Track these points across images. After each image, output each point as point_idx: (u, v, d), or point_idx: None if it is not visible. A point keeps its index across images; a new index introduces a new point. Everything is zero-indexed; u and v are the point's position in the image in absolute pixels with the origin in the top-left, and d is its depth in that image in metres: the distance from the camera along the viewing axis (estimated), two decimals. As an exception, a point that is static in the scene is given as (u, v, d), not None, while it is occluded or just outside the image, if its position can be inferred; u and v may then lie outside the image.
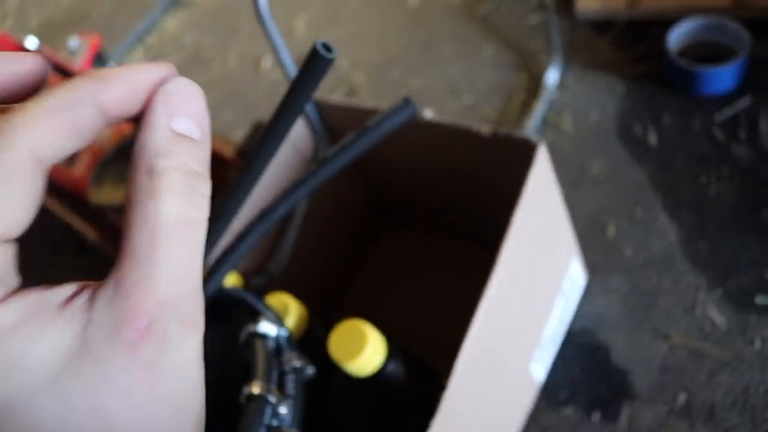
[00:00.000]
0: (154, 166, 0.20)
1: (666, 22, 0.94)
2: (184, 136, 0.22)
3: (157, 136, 0.21)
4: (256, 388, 0.46)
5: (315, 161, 0.60)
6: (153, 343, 0.19)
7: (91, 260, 1.04)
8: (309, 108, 0.69)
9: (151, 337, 0.19)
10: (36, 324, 0.18)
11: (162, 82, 0.23)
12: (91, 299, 0.19)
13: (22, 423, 0.18)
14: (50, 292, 0.19)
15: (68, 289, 0.20)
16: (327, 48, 0.46)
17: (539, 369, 0.73)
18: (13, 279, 0.20)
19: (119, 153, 0.91)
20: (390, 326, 0.57)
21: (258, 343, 0.49)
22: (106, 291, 0.19)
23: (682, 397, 0.71)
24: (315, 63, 0.48)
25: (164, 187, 0.20)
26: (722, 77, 0.88)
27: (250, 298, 0.52)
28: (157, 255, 0.20)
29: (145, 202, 0.20)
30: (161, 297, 0.19)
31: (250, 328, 0.50)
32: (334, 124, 0.71)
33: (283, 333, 0.51)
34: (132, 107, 0.22)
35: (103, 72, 0.21)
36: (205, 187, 0.22)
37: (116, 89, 0.21)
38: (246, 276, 0.68)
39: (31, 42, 1.10)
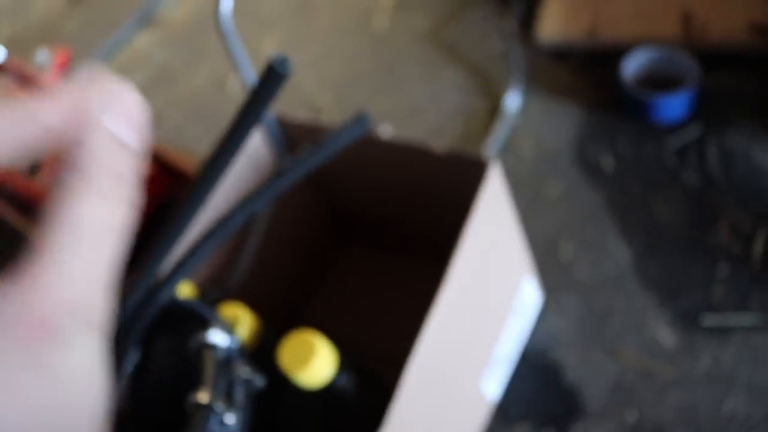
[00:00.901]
0: (83, 165, 0.20)
1: (623, 51, 0.97)
2: (121, 142, 0.21)
3: (94, 134, 0.20)
4: (202, 397, 0.46)
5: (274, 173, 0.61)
6: (52, 344, 0.18)
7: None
8: (269, 123, 0.70)
9: (50, 337, 0.18)
10: None
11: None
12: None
13: None
14: None
15: None
16: (283, 63, 0.47)
17: (492, 387, 0.74)
18: None
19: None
20: (347, 341, 0.57)
21: (207, 353, 0.49)
22: (5, 283, 0.18)
23: (632, 415, 0.73)
24: (270, 78, 0.50)
25: (91, 189, 0.20)
26: (673, 106, 0.92)
27: (202, 308, 0.53)
28: (69, 256, 0.19)
29: (67, 201, 0.19)
30: (66, 297, 0.18)
31: (200, 337, 0.50)
32: (294, 140, 0.72)
33: (234, 343, 0.51)
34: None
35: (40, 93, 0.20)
36: (134, 197, 0.21)
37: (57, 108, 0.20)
38: (203, 288, 0.68)
39: (-2, 53, 1.10)
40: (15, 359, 0.17)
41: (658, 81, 0.96)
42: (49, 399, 0.18)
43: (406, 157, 0.64)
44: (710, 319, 0.77)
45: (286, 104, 1.11)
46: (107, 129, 0.21)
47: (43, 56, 1.17)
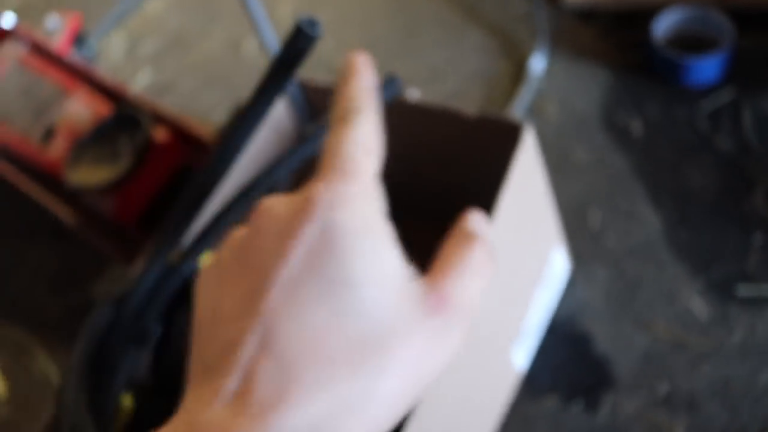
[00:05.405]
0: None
1: (652, 12, 0.94)
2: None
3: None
4: (231, 371, 0.44)
5: (297, 141, 0.59)
6: (444, 318, 0.24)
7: (68, 244, 1.01)
8: (292, 88, 0.67)
9: (445, 312, 0.24)
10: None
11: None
12: (420, 280, 0.25)
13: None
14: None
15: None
16: (311, 25, 0.45)
17: (521, 357, 0.72)
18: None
19: (97, 135, 0.89)
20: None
21: (234, 326, 0.48)
22: (424, 282, 0.25)
23: (663, 387, 0.71)
24: (298, 40, 0.47)
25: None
26: (707, 68, 0.88)
27: (227, 280, 0.51)
28: (469, 284, 0.26)
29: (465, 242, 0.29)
30: (463, 305, 0.25)
31: (227, 310, 0.48)
32: (318, 106, 0.69)
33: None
34: None
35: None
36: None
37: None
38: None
39: (8, 19, 1.08)
40: (436, 325, 0.24)
41: (691, 42, 0.92)
42: (423, 363, 0.23)
43: (434, 121, 0.62)
44: (745, 290, 0.75)
45: (303, 69, 1.08)
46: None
47: (53, 22, 1.14)
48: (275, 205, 0.24)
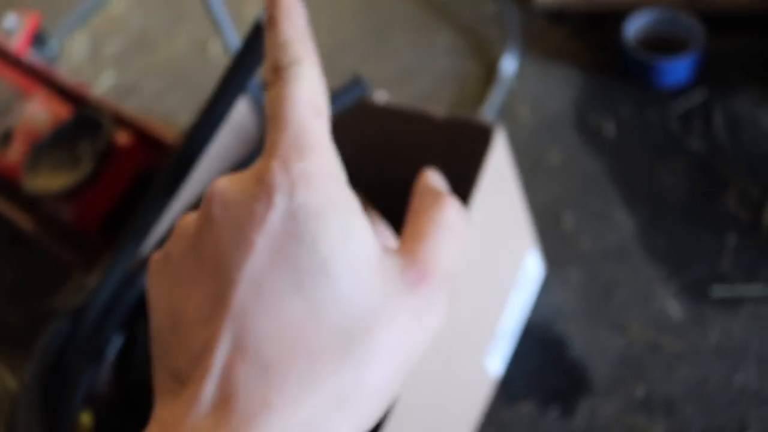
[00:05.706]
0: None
1: (623, 13, 0.93)
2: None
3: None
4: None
5: (260, 143, 0.57)
6: (426, 291, 0.22)
7: (27, 252, 0.98)
8: (255, 89, 0.65)
9: (427, 285, 0.22)
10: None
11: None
12: (395, 253, 0.23)
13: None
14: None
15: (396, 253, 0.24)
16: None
17: (496, 363, 0.71)
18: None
19: (56, 139, 0.85)
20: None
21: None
22: (400, 255, 0.23)
23: (640, 390, 0.70)
24: (258, 38, 0.45)
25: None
26: (678, 69, 0.88)
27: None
28: (444, 254, 0.24)
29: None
30: (444, 270, 0.23)
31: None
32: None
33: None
34: None
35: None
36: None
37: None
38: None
39: (-39, 19, 1.04)
40: (402, 292, 0.22)
41: (661, 43, 0.92)
42: (407, 339, 0.22)
43: (402, 124, 0.60)
44: (719, 291, 0.74)
45: (271, 71, 1.05)
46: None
47: (11, 21, 1.10)
48: (227, 189, 0.22)
